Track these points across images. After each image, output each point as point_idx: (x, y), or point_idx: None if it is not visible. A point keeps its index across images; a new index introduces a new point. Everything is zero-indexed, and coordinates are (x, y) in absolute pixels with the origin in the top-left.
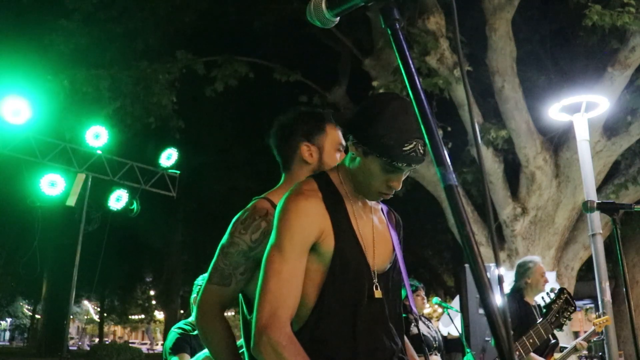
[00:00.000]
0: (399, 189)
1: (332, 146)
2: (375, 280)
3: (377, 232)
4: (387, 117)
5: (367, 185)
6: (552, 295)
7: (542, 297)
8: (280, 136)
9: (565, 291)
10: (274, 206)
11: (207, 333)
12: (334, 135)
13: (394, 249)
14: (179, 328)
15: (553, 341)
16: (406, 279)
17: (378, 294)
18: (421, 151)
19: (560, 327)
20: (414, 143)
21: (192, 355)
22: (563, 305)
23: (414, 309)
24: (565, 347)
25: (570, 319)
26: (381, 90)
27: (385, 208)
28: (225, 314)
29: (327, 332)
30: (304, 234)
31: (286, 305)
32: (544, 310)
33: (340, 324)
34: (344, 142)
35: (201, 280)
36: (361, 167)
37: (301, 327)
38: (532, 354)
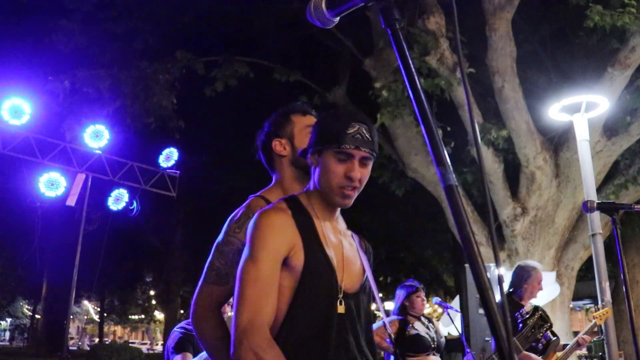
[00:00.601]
0: (358, 179)
1: (302, 131)
2: (341, 296)
3: (346, 253)
4: (332, 115)
5: (328, 185)
6: (525, 314)
7: (515, 315)
8: (259, 144)
9: (539, 309)
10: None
11: (205, 334)
12: (302, 121)
13: (364, 272)
14: (182, 328)
15: (554, 339)
16: (379, 302)
17: (341, 309)
18: (367, 135)
19: (537, 341)
20: (357, 127)
21: (194, 355)
22: (538, 322)
23: (389, 328)
24: (568, 345)
25: (545, 337)
26: (383, 92)
27: (357, 237)
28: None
29: (298, 346)
30: (275, 245)
31: (264, 312)
32: (520, 326)
33: (311, 339)
34: None
35: None
36: (320, 171)
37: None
38: (526, 352)
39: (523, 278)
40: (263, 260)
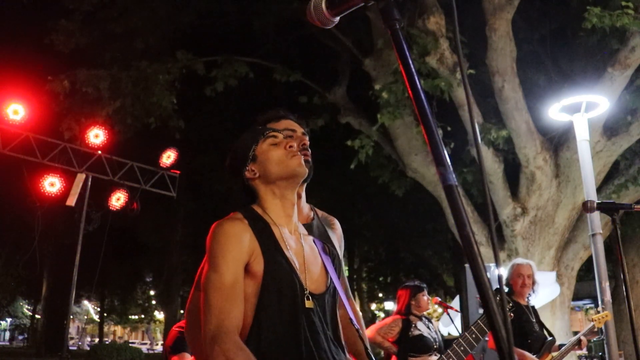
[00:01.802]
0: (298, 145)
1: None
2: (307, 292)
3: (307, 256)
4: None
5: (280, 167)
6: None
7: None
8: None
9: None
10: None
11: (197, 345)
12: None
13: (327, 274)
14: (180, 327)
15: (549, 339)
16: (346, 303)
17: (309, 304)
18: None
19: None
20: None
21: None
22: None
23: (355, 322)
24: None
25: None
26: (384, 94)
27: (319, 242)
28: None
29: (270, 346)
30: (235, 252)
31: (231, 317)
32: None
33: (282, 337)
34: (294, 128)
35: None
36: (265, 167)
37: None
38: (519, 350)
39: (507, 276)
40: (224, 268)
